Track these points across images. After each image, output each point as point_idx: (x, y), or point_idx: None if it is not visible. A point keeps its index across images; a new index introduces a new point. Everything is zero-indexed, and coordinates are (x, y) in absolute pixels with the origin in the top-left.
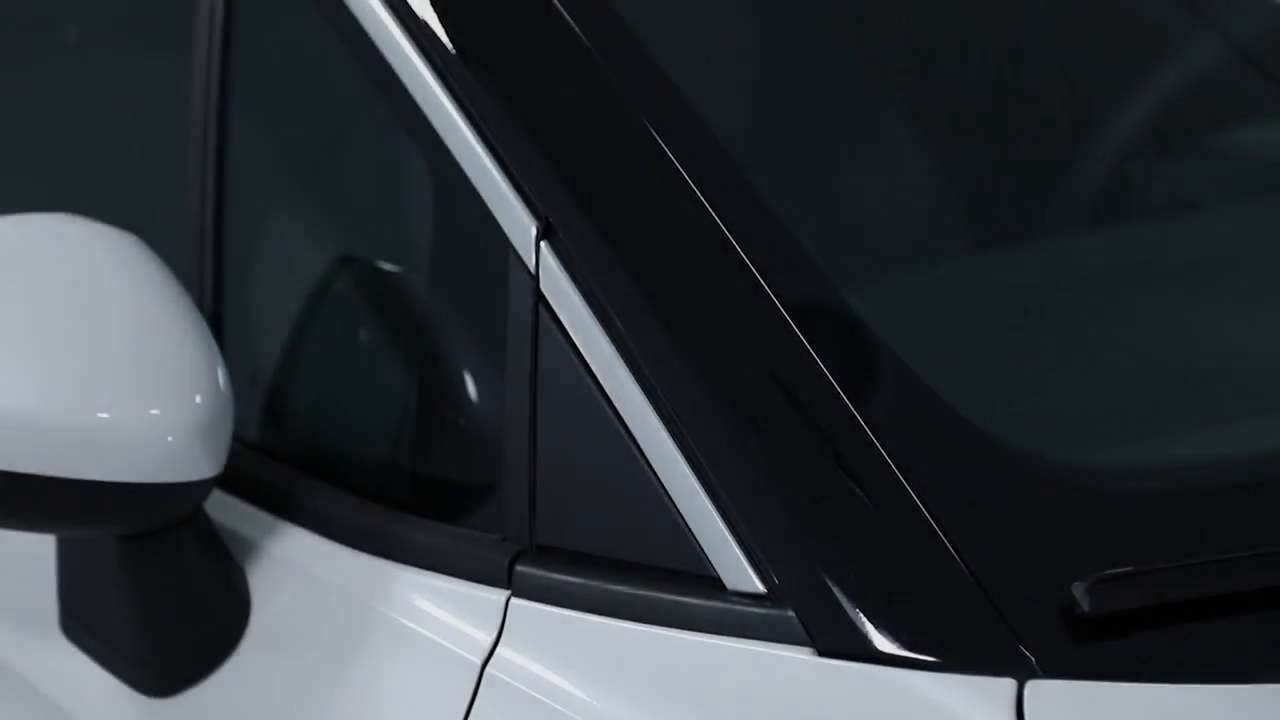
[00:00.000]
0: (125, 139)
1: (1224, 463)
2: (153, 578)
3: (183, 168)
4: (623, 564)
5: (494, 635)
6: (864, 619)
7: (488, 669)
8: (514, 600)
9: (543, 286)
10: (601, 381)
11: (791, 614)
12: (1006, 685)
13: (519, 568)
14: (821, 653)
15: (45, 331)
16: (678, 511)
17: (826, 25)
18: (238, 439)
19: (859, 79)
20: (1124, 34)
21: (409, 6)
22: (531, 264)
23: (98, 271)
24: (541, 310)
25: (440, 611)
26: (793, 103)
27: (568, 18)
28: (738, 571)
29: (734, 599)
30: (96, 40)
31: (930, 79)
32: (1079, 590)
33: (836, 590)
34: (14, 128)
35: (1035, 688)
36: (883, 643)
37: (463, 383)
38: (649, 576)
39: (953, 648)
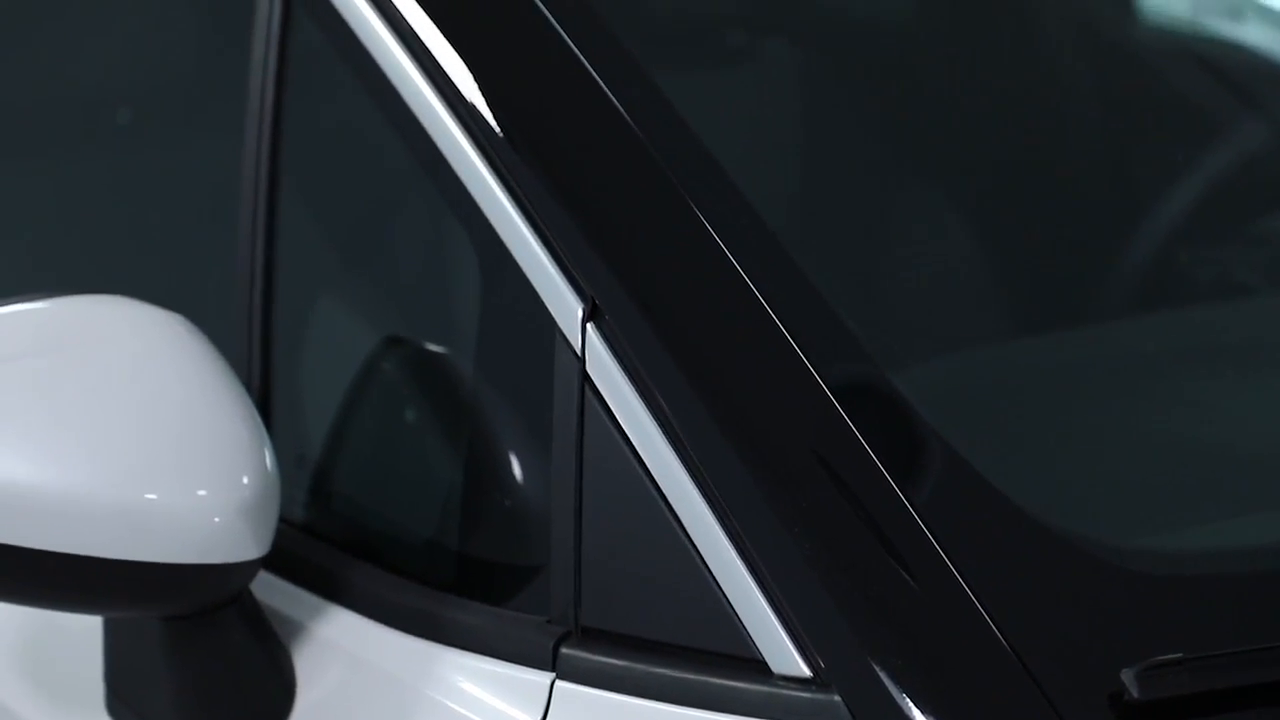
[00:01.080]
0: (176, 220)
1: (1274, 548)
2: (198, 658)
3: (232, 249)
4: (668, 647)
5: (539, 718)
6: (910, 703)
7: None
8: (559, 683)
9: (589, 368)
10: (647, 463)
11: (838, 698)
12: None
13: (564, 650)
14: None
15: (94, 412)
16: (723, 594)
17: (871, 106)
18: (284, 520)
19: (904, 160)
20: (1171, 117)
21: (456, 88)
22: (578, 346)
23: (146, 353)
24: (587, 392)
25: (485, 694)
26: (838, 185)
27: (614, 100)
28: (783, 655)
29: (780, 683)
30: (149, 122)
31: (976, 161)
32: (1128, 676)
33: (883, 674)
34: (66, 208)
35: None
36: None
37: (508, 464)
38: (694, 660)
39: None
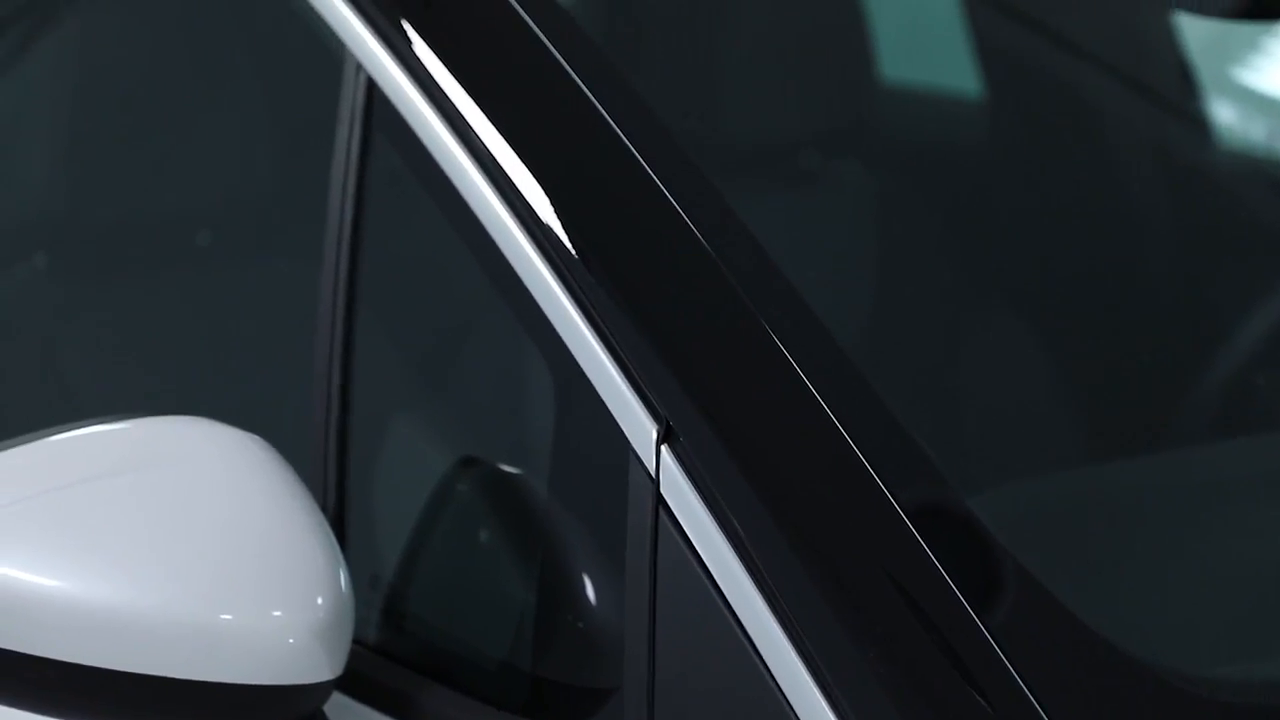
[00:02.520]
0: (253, 341)
1: None
2: None
3: (308, 369)
4: None
5: None
6: None
7: None
8: None
9: (662, 490)
10: (720, 586)
11: None
12: None
13: None
14: None
15: (171, 532)
16: (796, 717)
17: (945, 228)
18: (357, 641)
19: (978, 282)
20: (1248, 241)
21: (532, 211)
22: (651, 467)
23: (223, 473)
24: (661, 514)
25: None
26: (912, 306)
27: (689, 223)
28: None
29: None
30: (228, 244)
31: (1051, 283)
32: None
33: None
34: (145, 328)
35: None
36: None
37: (582, 585)
38: None
39: None
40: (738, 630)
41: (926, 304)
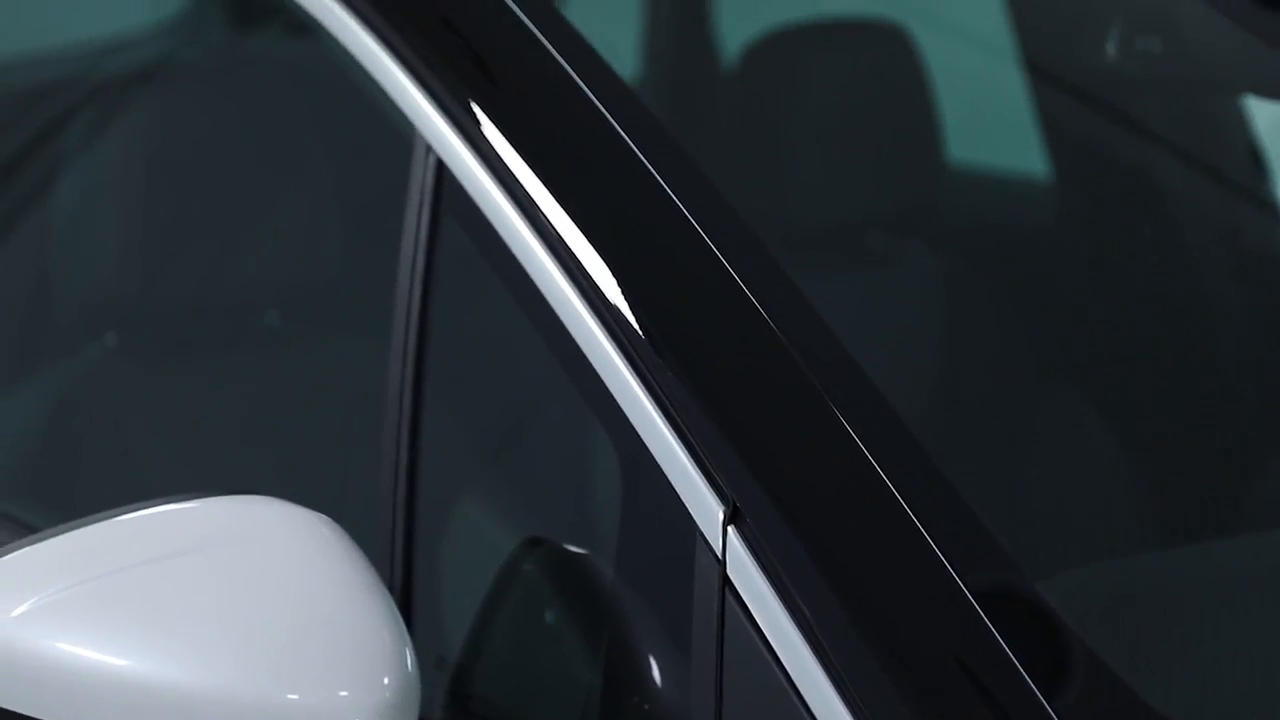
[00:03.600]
0: (321, 420)
1: None
2: None
3: (376, 448)
4: None
5: None
6: None
7: None
8: None
9: (729, 571)
10: (787, 668)
11: None
12: None
13: None
14: None
15: (237, 612)
16: None
17: (1013, 311)
18: None
19: (1049, 366)
20: None
21: (599, 289)
22: (718, 548)
23: (290, 553)
24: (727, 595)
25: None
26: (980, 388)
27: (756, 304)
28: None
29: None
30: (296, 324)
31: (1122, 367)
32: None
33: None
34: (213, 408)
35: None
36: None
37: (648, 667)
38: None
39: None
40: (805, 715)
41: (994, 385)
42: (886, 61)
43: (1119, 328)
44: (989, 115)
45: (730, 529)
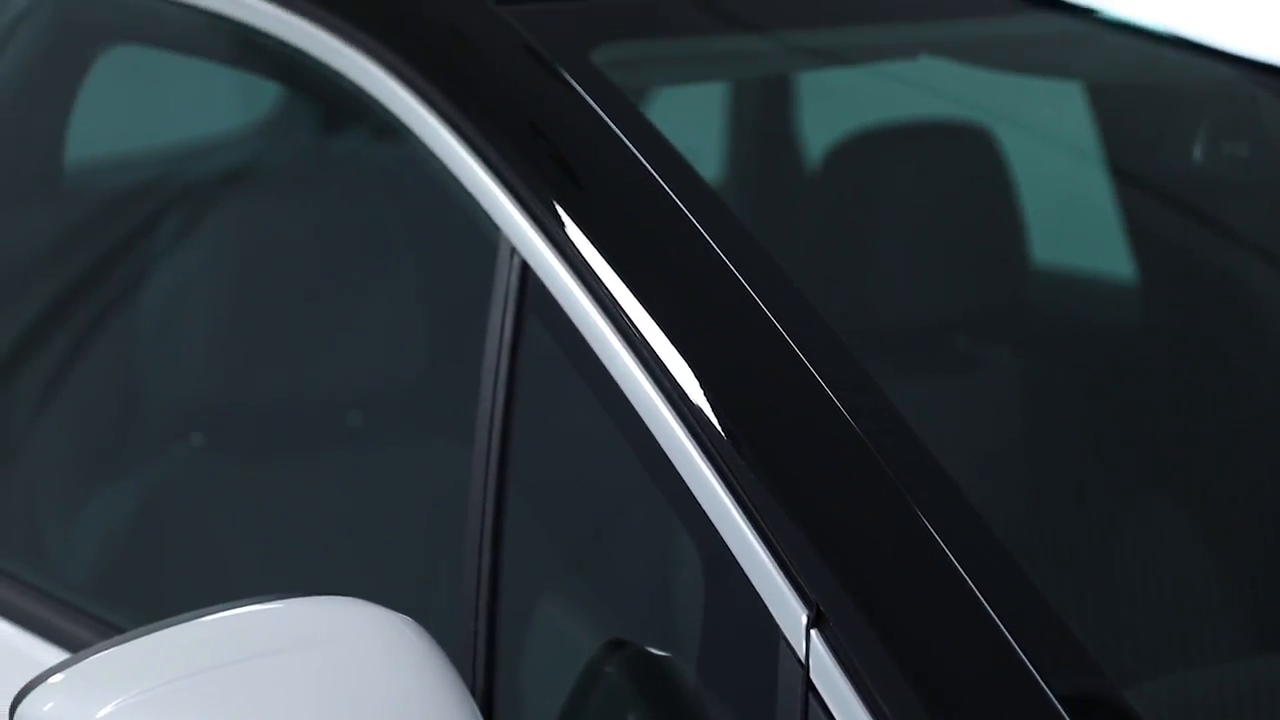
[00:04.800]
0: (404, 521)
1: None
2: None
3: (458, 549)
4: None
5: None
6: None
7: None
8: None
9: (812, 675)
10: None
11: None
12: None
13: None
14: None
15: (321, 714)
16: None
17: (1103, 414)
18: None
19: (1137, 470)
20: None
21: (682, 391)
22: (801, 652)
23: (373, 655)
24: (811, 699)
25: None
26: (1068, 492)
27: (840, 407)
28: None
29: None
30: (380, 425)
31: (1210, 472)
32: None
33: None
34: (297, 508)
35: None
36: None
37: None
38: None
39: None
40: None
41: (1081, 489)
42: (971, 163)
43: (1206, 432)
44: (1074, 217)
45: (814, 632)
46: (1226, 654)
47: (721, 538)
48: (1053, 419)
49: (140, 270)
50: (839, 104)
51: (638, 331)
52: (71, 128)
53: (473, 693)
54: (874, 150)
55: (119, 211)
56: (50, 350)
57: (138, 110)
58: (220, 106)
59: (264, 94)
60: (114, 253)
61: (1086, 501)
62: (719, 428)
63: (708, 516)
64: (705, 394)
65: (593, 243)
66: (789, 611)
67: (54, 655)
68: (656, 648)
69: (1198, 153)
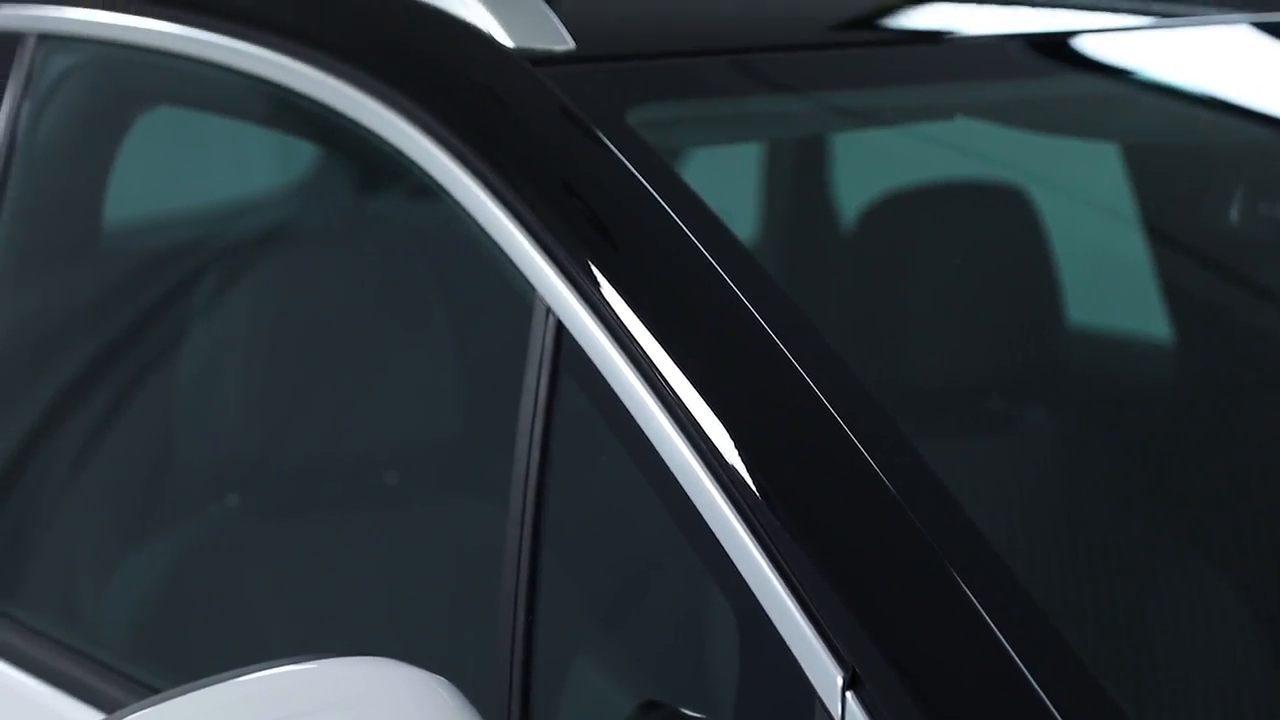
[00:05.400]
0: (438, 580)
1: None
2: None
3: (493, 610)
4: None
5: None
6: None
7: None
8: None
9: None
10: None
11: None
12: None
13: None
14: None
15: None
16: None
17: (1140, 475)
18: None
19: (1173, 531)
20: None
21: (717, 451)
22: (837, 713)
23: (408, 716)
24: None
25: None
26: (1104, 553)
27: (875, 467)
28: None
29: None
30: (415, 483)
31: (1247, 532)
32: None
33: None
34: (332, 567)
35: None
36: None
37: None
38: None
39: None
40: None
41: (1118, 551)
42: (1006, 223)
43: (1244, 493)
44: (1109, 277)
45: (849, 694)
46: (1267, 712)
47: (756, 598)
48: (1088, 479)
49: (177, 330)
50: (874, 164)
51: (672, 391)
52: (110, 188)
53: None
54: (909, 210)
55: (156, 272)
56: (87, 409)
57: (176, 171)
58: (257, 167)
59: (300, 154)
60: (151, 312)
61: (1123, 562)
62: (753, 487)
63: (742, 577)
64: (740, 454)
65: (627, 302)
66: (824, 673)
67: (89, 716)
68: (691, 708)
69: (1234, 213)
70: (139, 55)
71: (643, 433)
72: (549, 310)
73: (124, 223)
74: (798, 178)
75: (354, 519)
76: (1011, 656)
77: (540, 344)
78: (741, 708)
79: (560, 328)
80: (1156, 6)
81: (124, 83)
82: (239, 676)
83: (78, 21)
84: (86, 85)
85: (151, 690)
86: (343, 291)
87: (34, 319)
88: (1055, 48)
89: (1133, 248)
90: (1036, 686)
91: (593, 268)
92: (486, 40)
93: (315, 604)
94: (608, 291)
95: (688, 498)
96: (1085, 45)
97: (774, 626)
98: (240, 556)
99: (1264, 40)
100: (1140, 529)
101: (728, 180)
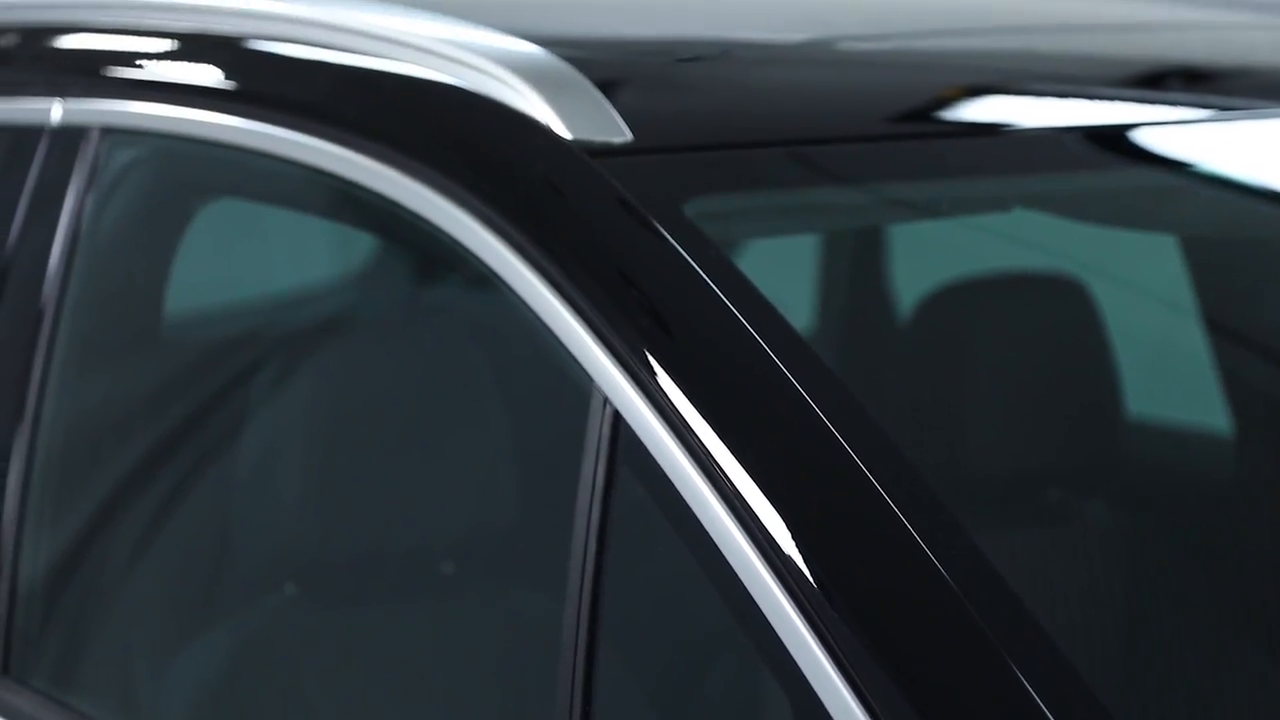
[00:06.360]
0: (495, 670)
1: None
2: None
3: (550, 701)
4: None
5: None
6: None
7: None
8: None
9: None
10: None
11: None
12: None
13: None
14: None
15: None
16: None
17: (1200, 567)
18: None
19: (1234, 623)
20: None
21: (775, 543)
22: None
23: None
24: None
25: None
26: (1166, 645)
27: (934, 560)
28: None
29: None
30: (471, 573)
31: None
32: None
33: None
34: (390, 659)
35: None
36: None
37: None
38: None
39: None
40: None
41: (1178, 645)
42: (1064, 315)
43: None
44: (1169, 370)
45: None
46: None
47: (814, 691)
48: (1147, 572)
49: (236, 420)
50: (931, 255)
51: (729, 481)
52: (172, 280)
53: None
54: (966, 300)
55: (216, 363)
56: (147, 499)
57: (236, 262)
58: (316, 258)
59: (359, 245)
60: (210, 403)
61: (1184, 657)
62: (810, 578)
63: (799, 668)
64: (797, 544)
65: (685, 393)
66: None
67: None
68: None
69: None
70: (201, 148)
71: (700, 523)
72: (606, 400)
73: (185, 314)
74: (855, 269)
75: (411, 609)
76: None
77: (597, 434)
78: None
79: (617, 418)
80: (1214, 99)
81: (186, 175)
82: None
83: (141, 115)
84: (149, 178)
85: None
86: (400, 382)
87: (96, 409)
88: (1113, 140)
89: (1192, 340)
90: None
91: (650, 358)
92: (545, 132)
93: (372, 695)
94: (665, 382)
95: (745, 588)
96: (1143, 137)
97: (830, 716)
98: (297, 647)
99: None
100: (1199, 623)
101: (785, 271)
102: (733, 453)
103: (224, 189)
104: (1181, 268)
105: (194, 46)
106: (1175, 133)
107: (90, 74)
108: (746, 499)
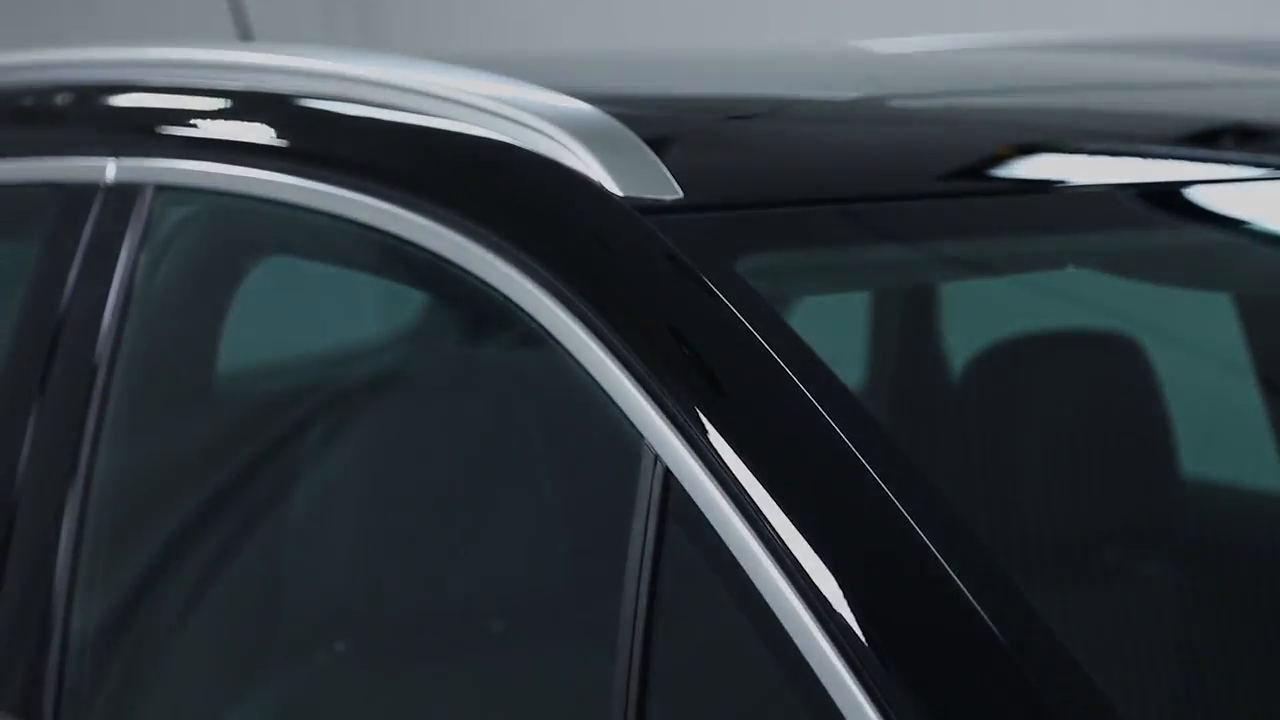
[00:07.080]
0: None
1: None
2: None
3: None
4: None
5: None
6: None
7: None
8: None
9: None
10: None
11: None
12: None
13: None
14: None
15: None
16: None
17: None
18: None
19: None
20: None
21: (827, 603)
22: None
23: None
24: None
25: None
26: (1223, 708)
27: (989, 622)
28: None
29: None
30: (522, 632)
31: None
32: None
33: None
34: (439, 716)
35: None
36: None
37: None
38: None
39: None
40: None
41: (1232, 705)
42: (1118, 373)
43: None
44: (1224, 429)
45: None
46: None
47: None
48: (1204, 634)
49: (287, 477)
50: (984, 314)
51: (780, 540)
52: (224, 336)
53: None
54: (1018, 359)
55: (268, 419)
56: (197, 557)
57: (288, 319)
58: (368, 314)
59: (410, 302)
60: (261, 460)
61: (1240, 715)
62: (862, 639)
63: None
64: (849, 603)
65: (736, 450)
66: None
67: None
68: None
69: None
70: (253, 205)
71: (751, 581)
72: (657, 457)
73: (237, 370)
74: (907, 327)
75: (462, 667)
76: None
77: (648, 491)
78: None
79: (668, 475)
80: (1269, 158)
81: (239, 232)
82: None
83: (194, 173)
84: (203, 235)
85: None
86: (451, 438)
87: (148, 465)
88: (1167, 198)
89: (1247, 399)
90: None
91: (701, 415)
92: (596, 189)
93: None
94: (716, 439)
95: (796, 648)
96: (1198, 196)
97: None
98: (348, 705)
99: None
100: (1256, 683)
101: (836, 329)
102: (784, 511)
103: (276, 246)
104: (1236, 326)
105: (246, 104)
106: (1229, 191)
107: (144, 132)
108: (798, 557)
